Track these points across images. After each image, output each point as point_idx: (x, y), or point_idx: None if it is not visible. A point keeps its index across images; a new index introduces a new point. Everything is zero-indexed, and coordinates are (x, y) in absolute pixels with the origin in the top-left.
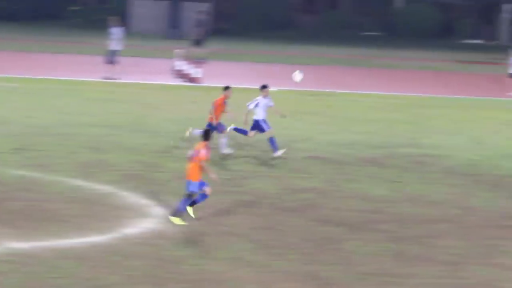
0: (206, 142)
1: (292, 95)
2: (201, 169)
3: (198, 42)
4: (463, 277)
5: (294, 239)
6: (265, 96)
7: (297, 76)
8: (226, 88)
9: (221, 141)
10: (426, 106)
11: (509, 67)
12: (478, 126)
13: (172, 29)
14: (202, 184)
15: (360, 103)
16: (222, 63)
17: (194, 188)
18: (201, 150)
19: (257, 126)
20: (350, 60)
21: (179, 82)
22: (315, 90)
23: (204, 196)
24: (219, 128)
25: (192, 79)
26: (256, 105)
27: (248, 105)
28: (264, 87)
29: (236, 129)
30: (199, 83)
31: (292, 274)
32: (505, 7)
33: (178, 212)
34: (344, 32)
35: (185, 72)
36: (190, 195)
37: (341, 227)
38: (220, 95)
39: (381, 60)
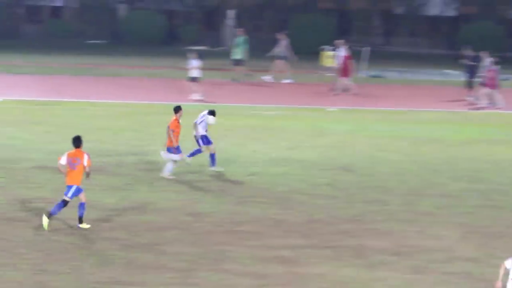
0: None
1: (17, 104)
2: None
3: None
4: (193, 283)
5: (23, 249)
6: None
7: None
8: (178, 108)
9: (168, 165)
10: (152, 113)
11: (190, 71)
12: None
13: None
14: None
15: (87, 112)
16: None
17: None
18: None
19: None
20: (76, 69)
21: None
22: (41, 99)
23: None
24: (177, 151)
25: None
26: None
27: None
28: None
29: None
30: None
31: (23, 284)
32: (229, 13)
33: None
34: (70, 41)
35: None
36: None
37: (70, 237)
38: (172, 117)
39: (108, 68)
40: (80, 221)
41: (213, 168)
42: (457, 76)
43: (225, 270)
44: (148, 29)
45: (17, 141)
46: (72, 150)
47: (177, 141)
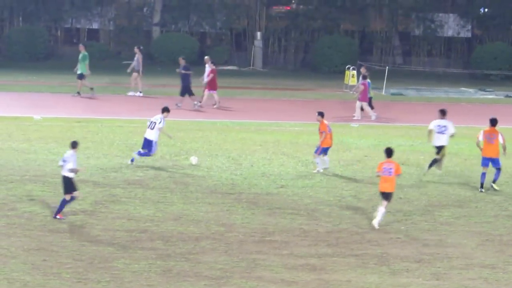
0: None
1: (57, 122)
2: None
3: None
4: None
5: (67, 259)
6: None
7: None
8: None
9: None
10: (186, 129)
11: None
12: (234, 147)
13: None
14: None
15: (123, 128)
16: None
17: None
18: None
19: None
20: (110, 88)
21: None
22: (79, 117)
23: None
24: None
25: None
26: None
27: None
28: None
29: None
30: None
31: None
32: (258, 34)
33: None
34: (106, 62)
35: None
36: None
37: (110, 247)
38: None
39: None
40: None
41: None
42: (472, 93)
43: (257, 278)
44: (180, 50)
45: (59, 157)
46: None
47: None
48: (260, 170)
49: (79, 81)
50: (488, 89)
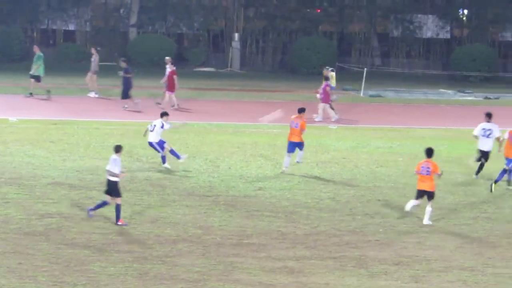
0: None
1: (32, 124)
2: None
3: None
4: None
5: (43, 263)
6: None
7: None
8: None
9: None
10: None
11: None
12: (212, 150)
13: None
14: None
15: (100, 131)
16: None
17: None
18: None
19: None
20: (86, 89)
21: None
22: (55, 119)
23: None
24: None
25: None
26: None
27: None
28: None
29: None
30: None
31: None
32: (235, 36)
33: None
34: (81, 64)
35: None
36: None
37: (87, 250)
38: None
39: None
40: None
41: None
42: (451, 95)
43: (234, 281)
44: (157, 51)
45: (34, 159)
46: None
47: None
48: (238, 172)
49: (33, 80)
50: (467, 91)
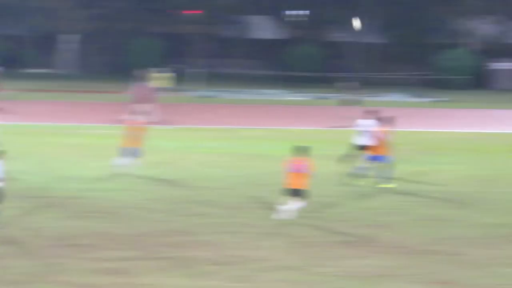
0: None
1: None
2: None
3: None
4: None
5: None
6: None
7: None
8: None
9: None
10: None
11: None
12: (44, 151)
13: None
14: None
15: None
16: None
17: None
18: None
19: None
20: None
21: None
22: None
23: None
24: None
25: None
26: None
27: None
28: None
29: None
30: None
31: None
32: (61, 37)
33: None
34: None
35: None
36: None
37: None
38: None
39: None
40: None
41: None
42: (282, 95)
43: (62, 282)
44: None
45: None
46: None
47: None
48: (66, 173)
49: None
50: (297, 91)
